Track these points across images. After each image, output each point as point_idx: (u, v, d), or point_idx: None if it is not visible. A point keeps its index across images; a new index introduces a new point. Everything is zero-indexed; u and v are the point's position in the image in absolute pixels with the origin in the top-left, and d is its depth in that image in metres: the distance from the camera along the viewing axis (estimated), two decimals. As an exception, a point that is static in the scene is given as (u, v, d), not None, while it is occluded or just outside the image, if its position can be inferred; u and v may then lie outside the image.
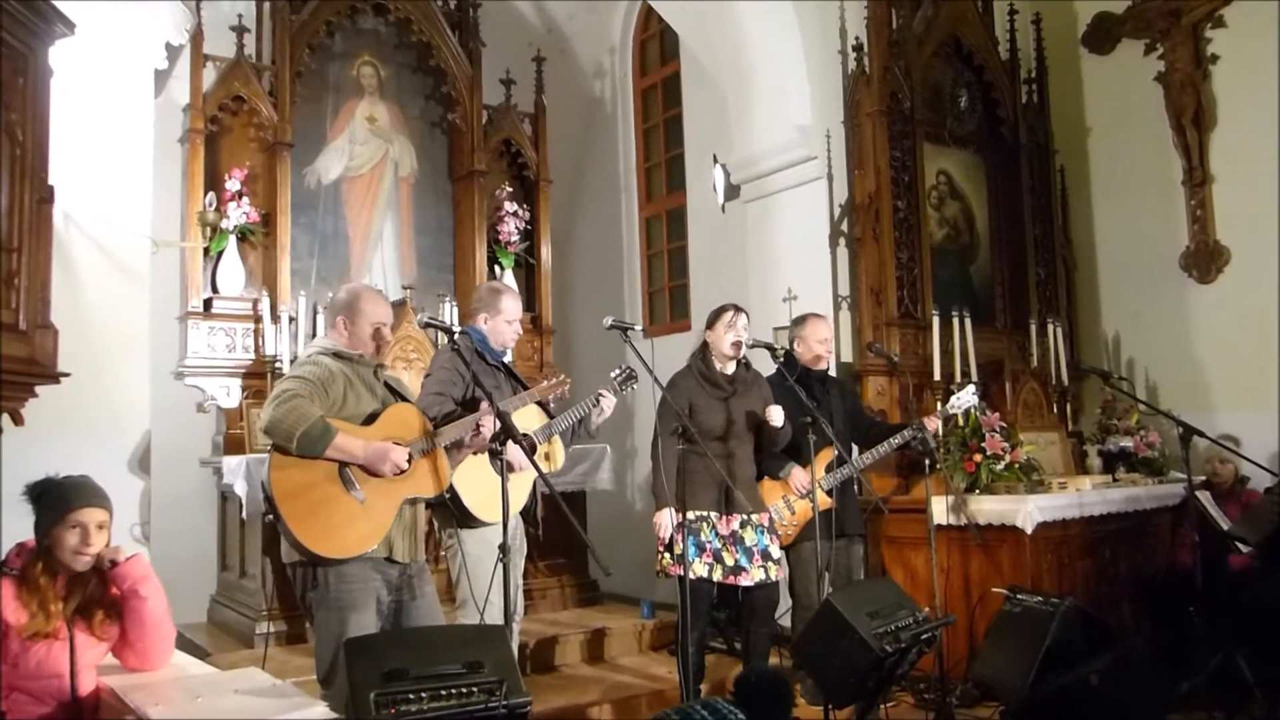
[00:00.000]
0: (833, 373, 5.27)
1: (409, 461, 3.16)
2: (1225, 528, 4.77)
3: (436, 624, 3.28)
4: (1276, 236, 5.70)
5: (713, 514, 4.16)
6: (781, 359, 4.34)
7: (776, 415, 4.22)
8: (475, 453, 3.57)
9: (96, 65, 4.50)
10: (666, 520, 4.09)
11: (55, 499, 2.63)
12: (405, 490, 3.18)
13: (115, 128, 4.65)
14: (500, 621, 3.20)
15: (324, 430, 2.99)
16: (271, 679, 2.58)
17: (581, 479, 5.66)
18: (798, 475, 4.40)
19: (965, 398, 4.73)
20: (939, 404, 5.58)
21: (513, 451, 3.38)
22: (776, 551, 4.26)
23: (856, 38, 5.87)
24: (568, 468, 5.38)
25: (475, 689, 2.48)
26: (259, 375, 5.54)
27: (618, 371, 4.03)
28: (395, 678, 2.43)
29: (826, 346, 4.72)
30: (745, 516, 4.20)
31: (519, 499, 3.83)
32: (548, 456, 3.95)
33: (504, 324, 3.97)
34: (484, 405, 3.35)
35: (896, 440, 4.52)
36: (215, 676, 2.78)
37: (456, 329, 3.90)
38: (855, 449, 4.69)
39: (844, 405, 4.75)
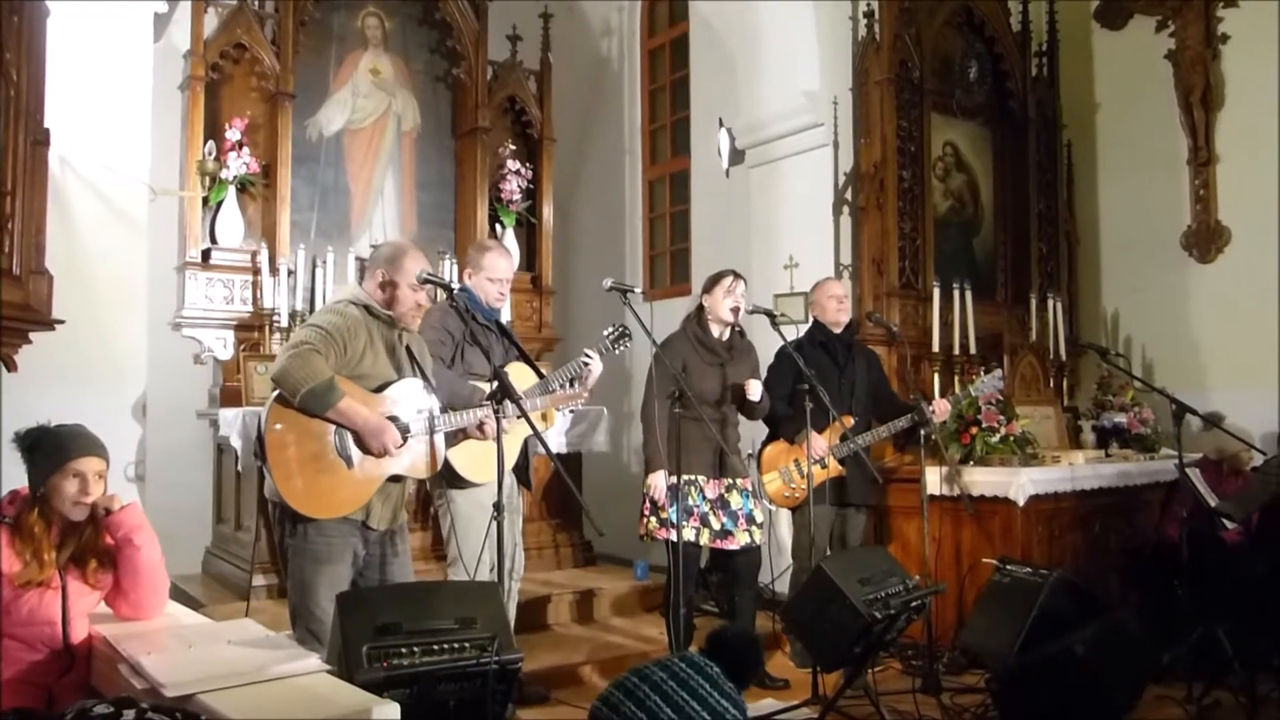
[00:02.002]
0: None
1: (403, 442, 3.13)
2: (1213, 504, 4.80)
3: (407, 581, 3.29)
4: (1278, 219, 5.68)
5: (701, 478, 4.18)
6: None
7: (755, 389, 4.24)
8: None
9: (95, 7, 4.42)
10: (660, 482, 4.12)
11: (53, 448, 2.62)
12: (395, 467, 3.16)
13: (114, 72, 4.58)
14: (492, 579, 3.22)
15: (330, 391, 2.97)
16: (265, 630, 2.60)
17: (578, 440, 5.66)
18: (815, 441, 4.40)
19: (990, 382, 4.72)
20: (936, 375, 5.62)
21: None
22: (760, 515, 4.30)
23: (868, 4, 5.79)
24: (563, 429, 5.41)
25: (467, 644, 2.51)
26: (257, 328, 5.52)
27: (611, 329, 4.01)
28: (388, 632, 2.46)
29: (839, 303, 4.69)
30: (731, 480, 4.23)
31: (510, 458, 3.82)
32: (544, 417, 3.95)
33: (485, 281, 3.92)
34: (486, 409, 3.29)
35: (901, 423, 4.52)
36: (209, 627, 2.79)
37: (455, 285, 3.87)
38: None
39: (869, 374, 4.75)
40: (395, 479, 3.21)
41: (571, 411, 3.94)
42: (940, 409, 4.57)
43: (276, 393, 3.03)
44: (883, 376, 4.96)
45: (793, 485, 4.45)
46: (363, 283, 3.33)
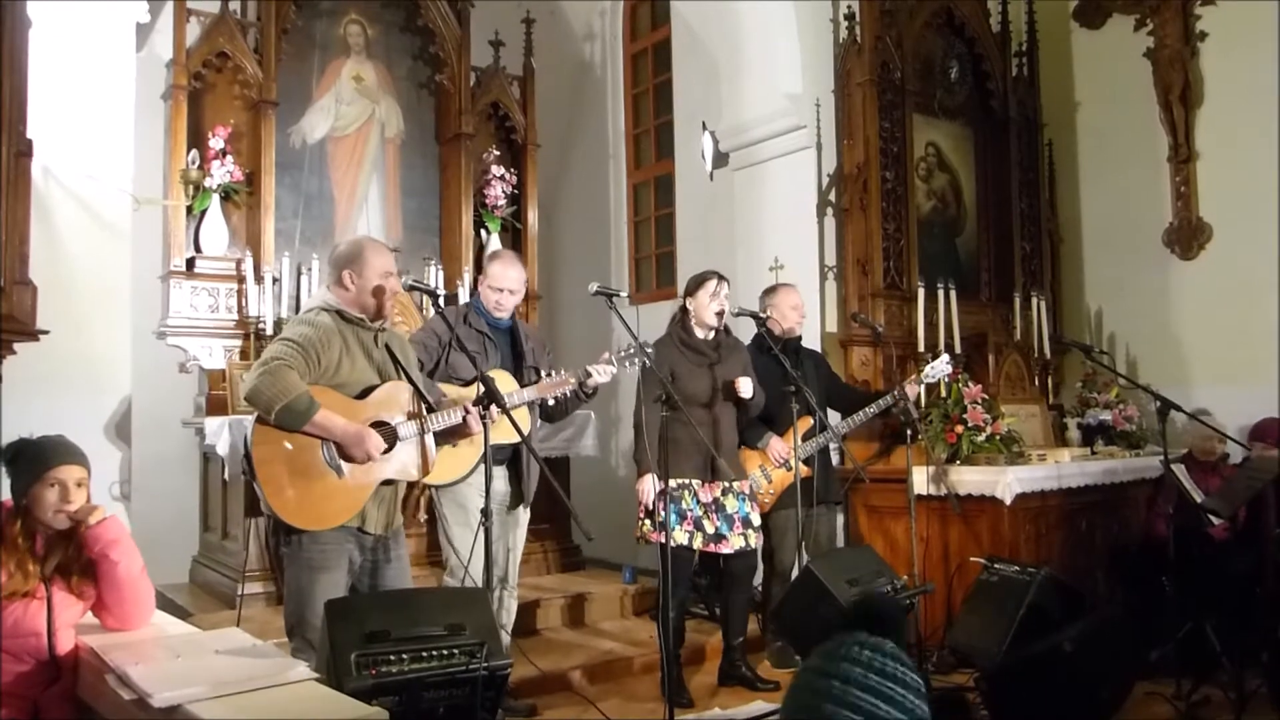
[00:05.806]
0: (815, 345, 5.29)
1: (389, 448, 3.09)
2: (1199, 500, 4.84)
3: (404, 587, 3.26)
4: (1259, 214, 5.73)
5: (695, 481, 4.18)
6: (763, 329, 4.37)
7: (745, 387, 4.24)
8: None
9: (77, 17, 4.42)
10: (649, 486, 4.11)
11: (32, 458, 2.61)
12: (387, 472, 3.14)
13: (96, 82, 4.57)
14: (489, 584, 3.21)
15: (305, 405, 2.91)
16: (252, 639, 2.58)
17: (565, 445, 5.66)
18: (775, 445, 4.42)
19: (940, 366, 4.76)
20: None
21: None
22: (757, 519, 4.30)
23: (849, 6, 5.82)
24: (551, 433, 5.41)
25: (456, 651, 2.51)
26: (242, 336, 5.50)
27: (623, 350, 3.87)
28: (376, 639, 2.45)
29: (800, 313, 4.70)
30: (727, 484, 4.23)
31: (470, 459, 3.74)
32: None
33: (488, 289, 4.02)
34: (470, 404, 3.25)
35: (878, 406, 4.54)
36: (196, 636, 2.77)
37: (440, 292, 3.88)
38: (836, 417, 4.71)
39: (819, 376, 4.77)
40: (388, 483, 3.19)
41: (555, 399, 3.86)
42: (910, 390, 4.58)
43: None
44: (832, 374, 4.98)
45: (761, 491, 4.47)
46: (330, 288, 3.25)
